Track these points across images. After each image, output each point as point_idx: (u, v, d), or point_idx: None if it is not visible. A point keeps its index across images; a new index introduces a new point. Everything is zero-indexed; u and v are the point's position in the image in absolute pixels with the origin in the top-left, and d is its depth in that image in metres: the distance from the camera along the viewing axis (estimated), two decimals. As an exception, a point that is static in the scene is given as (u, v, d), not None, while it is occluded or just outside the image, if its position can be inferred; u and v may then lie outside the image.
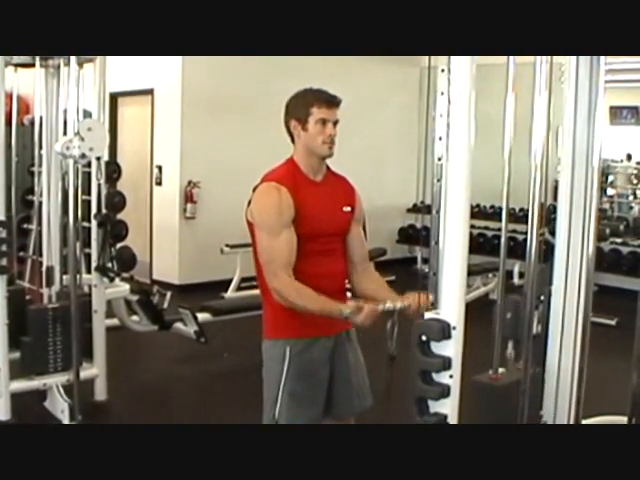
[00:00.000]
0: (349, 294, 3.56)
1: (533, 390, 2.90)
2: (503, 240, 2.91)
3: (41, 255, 5.83)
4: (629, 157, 11.50)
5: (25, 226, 6.75)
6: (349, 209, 3.48)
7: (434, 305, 2.53)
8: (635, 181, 11.37)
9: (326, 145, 3.34)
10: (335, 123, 3.36)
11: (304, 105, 3.35)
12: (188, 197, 10.01)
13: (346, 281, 3.56)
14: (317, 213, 3.34)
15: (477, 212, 10.86)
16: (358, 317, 3.13)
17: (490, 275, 9.30)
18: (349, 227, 3.49)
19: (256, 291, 8.52)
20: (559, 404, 3.00)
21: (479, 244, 10.73)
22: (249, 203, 3.36)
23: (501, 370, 2.92)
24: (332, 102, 3.36)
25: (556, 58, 2.74)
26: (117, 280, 6.22)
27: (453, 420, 2.47)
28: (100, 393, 5.77)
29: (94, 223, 5.76)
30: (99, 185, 5.70)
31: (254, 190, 3.36)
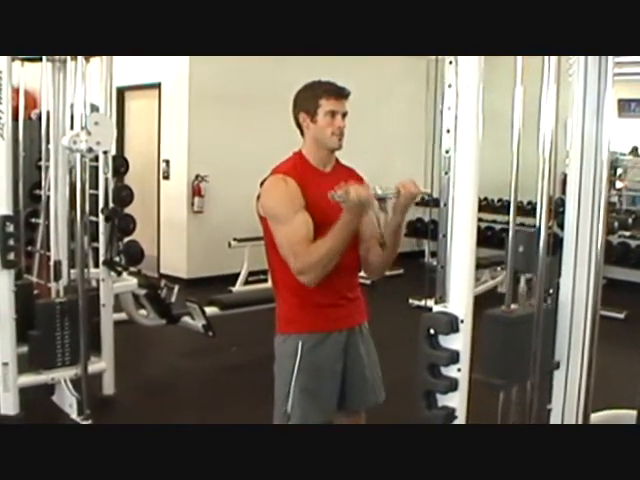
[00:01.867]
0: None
1: (547, 325, 2.88)
2: (511, 233, 2.89)
3: (49, 249, 5.83)
4: (635, 150, 11.48)
5: (33, 220, 6.76)
6: None
7: (442, 298, 2.52)
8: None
9: (335, 137, 3.33)
10: (344, 115, 3.35)
11: (313, 97, 3.33)
12: (195, 191, 10.01)
13: (358, 276, 3.53)
14: (326, 203, 3.32)
15: (485, 205, 10.84)
16: (350, 194, 3.04)
17: (498, 268, 9.28)
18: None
19: (264, 285, 8.58)
20: (568, 398, 2.99)
21: (487, 237, 10.71)
22: (258, 197, 3.34)
23: (514, 306, 2.90)
24: (341, 94, 3.34)
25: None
26: (125, 274, 6.23)
27: (461, 413, 2.46)
28: (108, 387, 5.78)
29: (101, 217, 5.76)
30: (106, 179, 5.71)
31: (262, 184, 3.35)
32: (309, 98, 3.35)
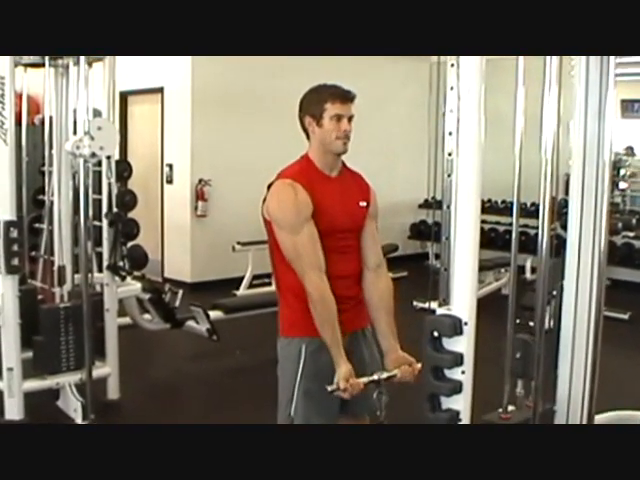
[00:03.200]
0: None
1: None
2: (514, 235, 2.90)
3: (53, 254, 5.84)
4: (630, 149, 11.48)
5: (36, 226, 6.75)
6: (365, 204, 3.46)
7: (446, 301, 2.52)
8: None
9: (340, 141, 3.32)
10: (350, 119, 3.34)
11: (318, 101, 3.32)
12: (199, 195, 10.01)
13: (360, 281, 3.54)
14: (333, 208, 3.32)
15: (488, 207, 10.83)
16: (343, 393, 3.14)
17: (502, 270, 9.27)
18: (364, 222, 3.47)
19: (268, 288, 8.58)
20: (572, 399, 2.99)
21: (490, 239, 10.71)
22: (264, 200, 3.34)
23: (511, 408, 2.91)
24: (346, 97, 3.33)
25: (566, 52, 2.73)
26: (129, 279, 6.22)
27: (465, 416, 2.46)
28: (113, 392, 5.77)
29: (105, 222, 5.76)
30: (110, 184, 5.71)
31: (269, 187, 3.34)
32: (314, 102, 3.34)
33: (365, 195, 3.49)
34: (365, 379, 3.19)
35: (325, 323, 3.21)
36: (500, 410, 2.86)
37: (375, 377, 3.20)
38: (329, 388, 3.12)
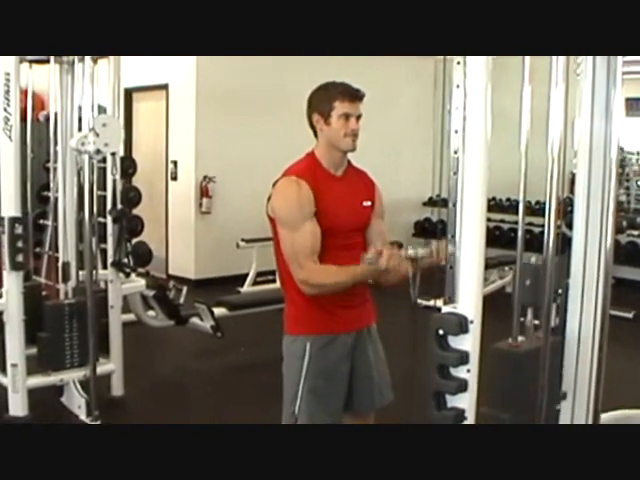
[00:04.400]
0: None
1: (554, 359, 2.87)
2: (520, 233, 2.88)
3: (57, 251, 5.84)
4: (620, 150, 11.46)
5: (41, 222, 6.76)
6: (369, 204, 3.45)
7: (451, 299, 2.52)
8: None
9: (349, 138, 3.32)
10: (358, 117, 3.34)
11: (327, 99, 3.32)
12: (203, 192, 10.02)
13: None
14: (337, 207, 3.32)
15: (493, 205, 10.83)
16: (380, 260, 3.08)
17: (507, 268, 9.26)
18: (369, 222, 3.47)
19: (272, 285, 8.59)
20: (577, 398, 2.99)
21: (495, 237, 10.70)
22: (269, 198, 3.34)
23: (521, 339, 2.89)
24: (356, 96, 3.33)
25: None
26: (133, 275, 6.23)
27: (470, 414, 2.46)
28: (117, 388, 5.78)
29: (110, 218, 5.77)
30: (114, 180, 5.71)
31: (274, 185, 3.34)
32: (323, 100, 3.33)
33: (370, 194, 3.49)
34: (402, 251, 3.14)
35: (342, 276, 3.24)
36: (510, 340, 2.84)
37: (411, 252, 3.13)
38: (369, 256, 3.10)
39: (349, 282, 3.25)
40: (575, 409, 3.00)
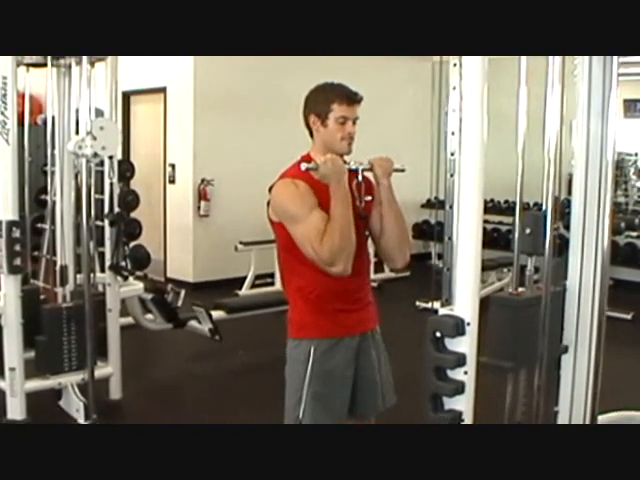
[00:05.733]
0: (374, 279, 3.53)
1: (554, 308, 2.86)
2: (517, 235, 2.89)
3: (55, 254, 5.84)
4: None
5: (39, 225, 6.75)
6: (370, 198, 3.43)
7: (448, 301, 2.52)
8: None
9: (345, 142, 3.31)
10: (355, 120, 3.33)
11: (325, 101, 3.30)
12: (202, 195, 10.02)
13: (370, 281, 3.52)
14: None
15: (491, 207, 10.83)
16: (323, 164, 3.15)
17: (505, 270, 9.26)
18: (370, 213, 3.44)
19: (270, 288, 8.57)
20: (575, 400, 2.99)
21: (493, 239, 10.70)
22: (268, 203, 3.32)
23: (521, 289, 2.88)
24: (353, 99, 3.31)
25: (569, 51, 2.73)
26: (131, 279, 6.21)
27: (468, 417, 2.45)
28: (115, 392, 5.77)
29: (107, 222, 5.76)
30: (112, 184, 5.70)
31: (270, 190, 3.33)
32: (321, 101, 3.32)
33: (369, 190, 3.46)
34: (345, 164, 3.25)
35: (339, 223, 3.18)
36: (510, 289, 2.84)
37: (353, 165, 3.28)
38: (303, 165, 3.19)
39: (343, 216, 3.18)
40: (573, 411, 3.00)
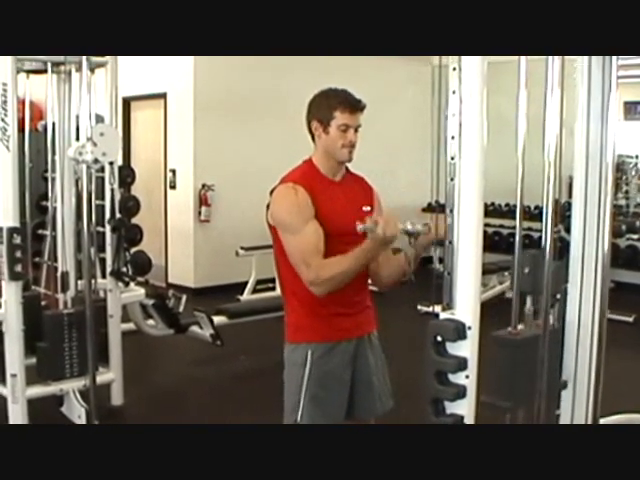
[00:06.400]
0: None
1: (553, 346, 2.86)
2: (517, 238, 2.88)
3: (56, 260, 5.85)
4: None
5: (40, 232, 6.77)
6: (368, 209, 3.45)
7: (449, 305, 2.51)
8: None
9: (346, 149, 3.31)
10: (357, 128, 3.33)
11: (328, 108, 3.31)
12: (202, 200, 10.02)
13: (369, 282, 3.53)
14: (337, 212, 3.31)
15: (492, 210, 10.83)
16: (378, 228, 3.02)
17: (506, 273, 9.25)
18: None
19: (272, 293, 8.58)
20: (576, 403, 2.98)
21: (495, 242, 10.71)
22: (268, 206, 3.33)
23: (520, 327, 2.88)
24: (356, 107, 3.31)
25: (568, 54, 2.72)
26: (132, 284, 6.22)
27: (469, 421, 2.45)
28: (117, 398, 5.78)
29: (108, 228, 5.76)
30: (112, 190, 5.71)
31: (271, 193, 3.34)
32: (324, 108, 3.32)
33: (369, 199, 3.49)
34: (400, 225, 3.08)
35: (348, 262, 3.17)
36: (509, 328, 2.83)
37: (409, 226, 3.11)
38: (360, 226, 3.05)
39: (356, 266, 3.17)
40: (574, 414, 3.00)
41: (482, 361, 2.49)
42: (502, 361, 2.78)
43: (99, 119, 5.51)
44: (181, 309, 7.13)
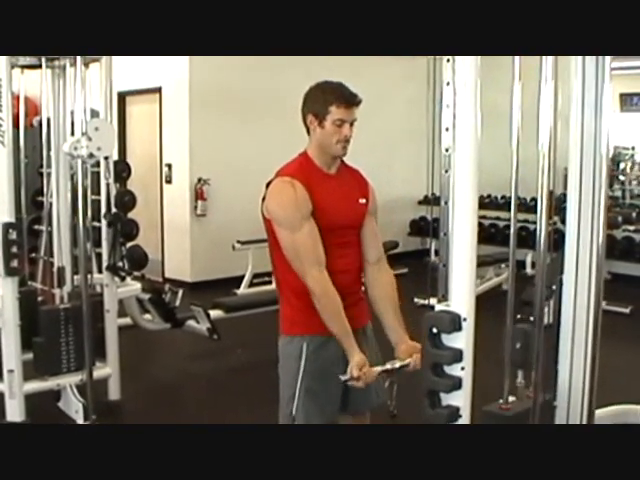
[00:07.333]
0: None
1: (544, 418, 2.87)
2: (512, 230, 2.88)
3: (52, 256, 5.84)
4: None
5: (36, 227, 6.75)
6: (364, 201, 3.45)
7: (444, 297, 2.52)
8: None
9: (340, 144, 3.31)
10: (352, 123, 3.33)
11: (323, 102, 3.30)
12: (198, 194, 10.02)
13: (361, 278, 3.54)
14: (333, 205, 3.32)
15: (488, 202, 10.85)
16: (357, 382, 3.17)
17: (502, 265, 9.26)
18: (364, 219, 3.47)
19: (268, 287, 8.58)
20: (572, 394, 2.99)
21: (491, 235, 10.71)
22: (263, 199, 3.33)
23: (511, 399, 2.89)
24: (352, 102, 3.31)
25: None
26: (128, 279, 6.22)
27: (465, 412, 2.46)
28: (114, 392, 5.77)
29: (104, 222, 5.76)
30: (108, 184, 5.70)
31: (267, 186, 3.34)
32: (319, 101, 3.32)
33: (364, 192, 3.49)
34: (379, 368, 3.21)
35: (332, 316, 3.22)
36: (500, 401, 2.85)
37: (388, 366, 3.23)
38: (342, 378, 3.15)
39: (334, 328, 3.24)
40: (570, 405, 3.00)
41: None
42: None
43: (94, 114, 5.50)
44: (177, 303, 7.12)
